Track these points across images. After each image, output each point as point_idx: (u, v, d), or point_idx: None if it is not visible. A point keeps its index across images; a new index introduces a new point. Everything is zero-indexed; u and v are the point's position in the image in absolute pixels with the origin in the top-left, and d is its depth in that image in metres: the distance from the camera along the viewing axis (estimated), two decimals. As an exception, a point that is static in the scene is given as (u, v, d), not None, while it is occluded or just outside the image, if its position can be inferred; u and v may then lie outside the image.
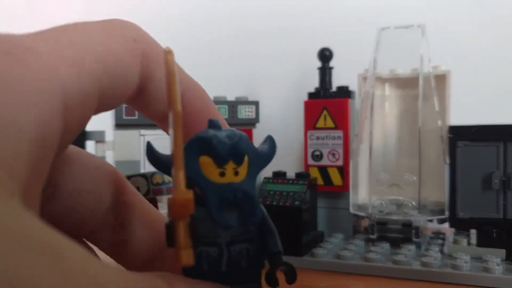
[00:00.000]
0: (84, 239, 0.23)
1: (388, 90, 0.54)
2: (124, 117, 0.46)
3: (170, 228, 0.24)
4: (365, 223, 0.52)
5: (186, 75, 0.24)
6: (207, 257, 0.25)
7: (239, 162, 0.25)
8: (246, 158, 0.26)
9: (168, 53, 0.24)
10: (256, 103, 0.53)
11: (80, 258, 0.14)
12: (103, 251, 0.24)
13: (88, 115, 0.18)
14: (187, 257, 0.22)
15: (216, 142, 0.25)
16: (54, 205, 0.21)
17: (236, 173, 0.25)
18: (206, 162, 0.25)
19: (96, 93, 0.18)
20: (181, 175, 0.21)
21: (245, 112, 0.52)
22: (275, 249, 0.26)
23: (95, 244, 0.24)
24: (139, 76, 0.20)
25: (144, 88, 0.21)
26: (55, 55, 0.16)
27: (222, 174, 0.25)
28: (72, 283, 0.13)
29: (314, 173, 0.54)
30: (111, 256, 0.24)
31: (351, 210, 0.52)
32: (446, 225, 0.49)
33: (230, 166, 0.25)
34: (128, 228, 0.23)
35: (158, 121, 0.24)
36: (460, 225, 0.47)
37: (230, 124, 0.52)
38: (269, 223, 0.26)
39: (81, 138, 0.45)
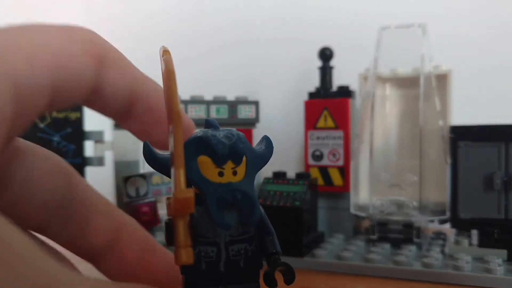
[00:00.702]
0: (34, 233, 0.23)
1: (389, 89, 0.54)
2: (123, 116, 0.46)
3: (170, 227, 0.23)
4: (365, 223, 0.52)
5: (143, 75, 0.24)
6: (206, 256, 0.25)
7: (237, 162, 0.25)
8: (244, 158, 0.26)
9: (165, 52, 0.24)
10: (256, 103, 0.53)
11: (28, 250, 0.13)
12: (57, 243, 0.24)
13: (40, 105, 0.18)
14: (186, 255, 0.22)
15: (215, 142, 0.25)
16: (4, 196, 0.21)
17: (235, 173, 0.25)
18: (204, 162, 0.25)
19: (49, 84, 0.18)
20: (182, 173, 0.21)
21: (245, 112, 0.52)
22: (273, 249, 0.26)
23: (47, 236, 0.23)
24: (95, 76, 0.20)
25: (100, 89, 0.21)
26: (8, 44, 0.17)
27: (221, 174, 0.25)
28: (18, 275, 0.12)
29: (315, 173, 0.53)
30: (66, 248, 0.24)
31: (352, 210, 0.51)
32: (447, 225, 0.49)
33: (228, 166, 0.25)
34: (82, 221, 0.23)
35: (119, 120, 0.24)
36: (461, 225, 0.47)
37: (230, 124, 0.53)
38: (268, 223, 0.26)
39: (80, 138, 0.45)
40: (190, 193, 0.21)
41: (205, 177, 0.25)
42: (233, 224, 0.25)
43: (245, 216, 0.25)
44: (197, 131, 0.26)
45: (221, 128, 0.27)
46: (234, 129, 0.27)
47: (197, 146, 0.25)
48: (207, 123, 0.27)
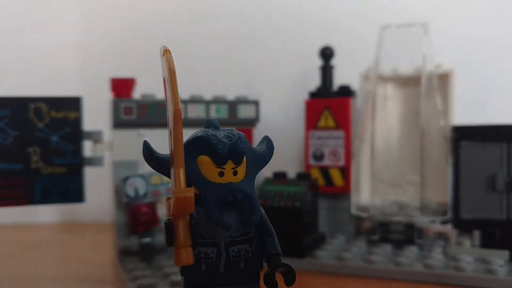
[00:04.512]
0: None
1: (390, 89, 0.53)
2: (122, 116, 0.46)
3: (169, 227, 0.23)
4: (367, 224, 0.52)
5: None
6: (206, 257, 0.24)
7: (238, 162, 0.25)
8: (244, 158, 0.26)
9: (166, 51, 0.24)
10: (256, 102, 0.52)
11: None
12: None
13: None
14: (186, 256, 0.21)
15: (215, 141, 0.25)
16: None
17: (235, 173, 0.25)
18: (205, 162, 0.25)
19: None
20: (182, 173, 0.21)
21: (245, 112, 0.51)
22: (274, 250, 0.26)
23: None
24: None
25: None
26: None
27: (221, 174, 0.25)
28: None
29: (315, 173, 0.53)
30: None
31: (353, 211, 0.51)
32: (449, 226, 0.49)
33: (229, 166, 0.25)
34: None
35: None
36: (463, 226, 0.46)
37: (230, 124, 0.52)
38: (268, 224, 0.26)
39: (79, 138, 0.44)
40: (190, 192, 0.21)
41: (205, 177, 0.25)
42: (233, 225, 0.25)
43: (245, 217, 0.25)
44: (198, 131, 0.26)
45: (221, 128, 0.26)
46: (234, 129, 0.27)
47: (197, 146, 0.25)
48: (208, 123, 0.27)
